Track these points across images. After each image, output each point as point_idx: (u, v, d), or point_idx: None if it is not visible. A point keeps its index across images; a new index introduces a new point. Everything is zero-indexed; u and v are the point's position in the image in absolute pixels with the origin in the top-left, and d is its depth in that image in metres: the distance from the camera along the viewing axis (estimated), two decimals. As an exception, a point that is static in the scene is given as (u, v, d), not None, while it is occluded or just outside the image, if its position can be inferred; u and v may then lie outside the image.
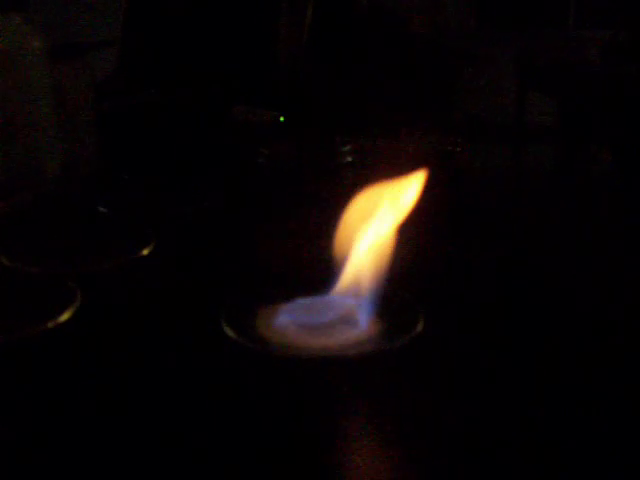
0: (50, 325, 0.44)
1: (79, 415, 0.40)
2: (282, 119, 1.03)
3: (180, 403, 0.42)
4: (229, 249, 0.66)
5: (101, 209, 0.68)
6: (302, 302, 0.48)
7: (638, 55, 2.86)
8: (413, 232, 0.49)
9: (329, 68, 1.60)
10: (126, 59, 1.56)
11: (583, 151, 2.59)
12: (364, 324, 0.46)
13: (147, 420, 0.40)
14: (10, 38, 0.83)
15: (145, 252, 0.57)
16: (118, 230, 0.62)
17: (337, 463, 0.38)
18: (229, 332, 0.44)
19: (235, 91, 1.17)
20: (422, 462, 0.37)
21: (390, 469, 0.37)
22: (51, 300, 0.47)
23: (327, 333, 0.45)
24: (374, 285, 0.46)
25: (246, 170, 0.86)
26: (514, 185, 0.97)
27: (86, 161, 0.93)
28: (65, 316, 0.45)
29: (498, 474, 0.37)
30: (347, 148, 0.83)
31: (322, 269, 0.49)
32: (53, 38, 0.88)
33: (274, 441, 0.39)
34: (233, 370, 0.44)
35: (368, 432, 0.40)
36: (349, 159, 0.83)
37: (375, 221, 0.47)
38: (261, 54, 1.53)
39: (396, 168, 0.49)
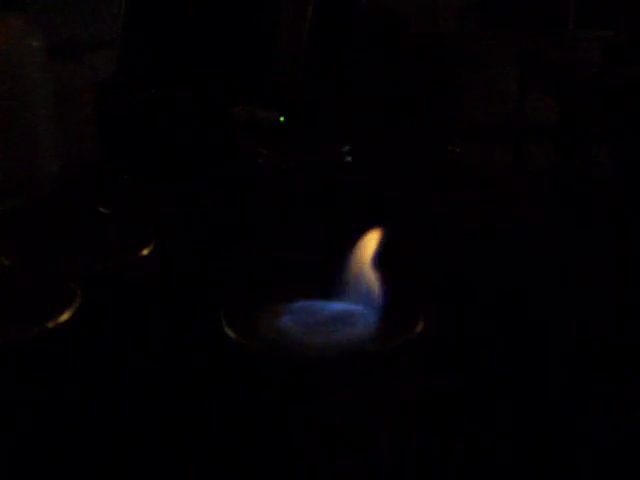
0: (50, 325, 0.44)
1: (79, 415, 0.40)
2: (282, 119, 1.03)
3: (180, 403, 0.42)
4: (229, 249, 0.66)
5: (101, 209, 0.68)
6: (302, 302, 0.48)
7: (638, 55, 2.86)
8: (413, 232, 0.49)
9: (329, 70, 1.60)
10: (126, 59, 1.56)
11: (583, 151, 2.60)
12: (364, 324, 0.46)
13: (147, 419, 0.40)
14: (10, 38, 0.83)
15: (145, 252, 0.57)
16: (118, 230, 0.62)
17: (337, 461, 0.38)
18: (229, 332, 0.44)
19: (235, 91, 1.17)
20: (422, 459, 0.37)
21: (390, 466, 0.37)
22: (51, 300, 0.47)
23: (327, 333, 0.45)
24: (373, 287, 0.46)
25: (246, 170, 0.86)
26: (514, 185, 0.97)
27: (86, 161, 0.93)
28: (65, 316, 0.45)
29: (498, 474, 0.37)
30: (347, 148, 0.83)
31: (321, 270, 0.49)
32: (53, 38, 0.88)
33: (274, 440, 0.39)
34: (233, 370, 0.44)
35: (368, 431, 0.40)
36: (349, 159, 0.83)
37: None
38: (261, 54, 1.53)
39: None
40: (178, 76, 1.35)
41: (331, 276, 0.48)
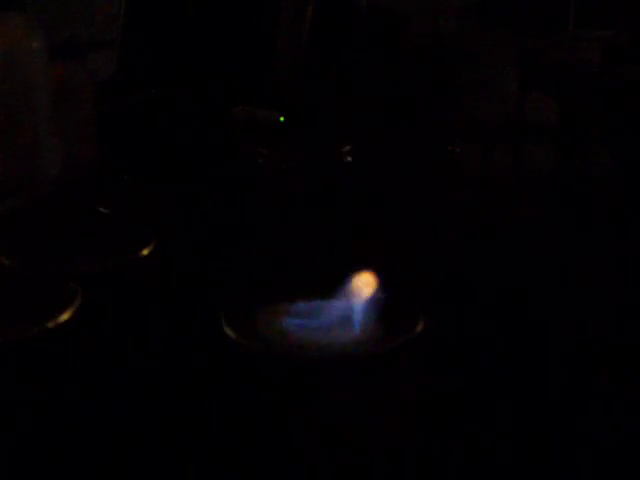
0: (50, 325, 0.44)
1: (79, 415, 0.40)
2: (282, 119, 1.03)
3: (180, 403, 0.42)
4: (229, 249, 0.66)
5: (101, 209, 0.68)
6: (302, 303, 0.48)
7: (638, 55, 2.87)
8: (413, 232, 0.49)
9: (329, 70, 1.60)
10: (126, 59, 1.56)
11: (583, 151, 2.60)
12: (363, 325, 0.46)
13: (147, 419, 0.40)
14: (10, 38, 0.83)
15: (145, 252, 0.57)
16: (118, 230, 0.62)
17: (337, 461, 0.38)
18: (229, 332, 0.44)
19: (235, 91, 1.17)
20: (422, 459, 0.37)
21: (389, 467, 0.37)
22: (51, 300, 0.47)
23: (327, 333, 0.45)
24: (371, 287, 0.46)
25: (246, 170, 0.86)
26: (514, 185, 0.97)
27: (86, 161, 0.93)
28: (65, 316, 0.45)
29: (498, 474, 0.37)
30: (347, 148, 0.83)
31: (321, 270, 0.49)
32: (53, 38, 0.88)
33: (274, 440, 0.39)
34: (233, 370, 0.44)
35: (368, 431, 0.40)
36: (349, 159, 0.83)
37: None
38: (261, 54, 1.53)
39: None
40: (178, 76, 1.35)
41: (331, 276, 0.48)
